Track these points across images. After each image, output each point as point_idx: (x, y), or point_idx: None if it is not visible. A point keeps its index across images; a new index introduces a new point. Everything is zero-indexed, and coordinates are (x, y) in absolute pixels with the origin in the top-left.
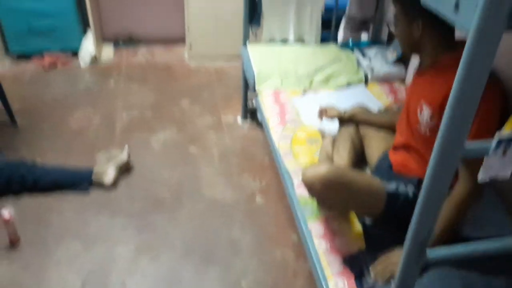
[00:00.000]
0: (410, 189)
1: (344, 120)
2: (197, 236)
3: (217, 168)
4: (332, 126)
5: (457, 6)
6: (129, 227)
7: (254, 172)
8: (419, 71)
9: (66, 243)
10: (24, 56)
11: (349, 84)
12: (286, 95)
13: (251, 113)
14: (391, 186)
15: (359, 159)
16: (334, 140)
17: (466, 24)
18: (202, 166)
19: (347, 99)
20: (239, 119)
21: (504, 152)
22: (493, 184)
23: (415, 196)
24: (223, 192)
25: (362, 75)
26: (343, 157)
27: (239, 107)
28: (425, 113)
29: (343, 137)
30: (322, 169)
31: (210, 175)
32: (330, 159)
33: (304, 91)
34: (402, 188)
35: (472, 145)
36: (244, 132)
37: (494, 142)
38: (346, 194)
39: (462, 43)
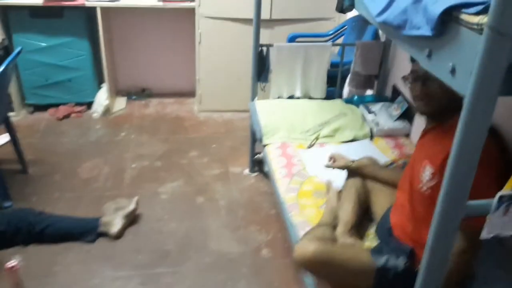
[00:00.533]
0: (401, 261)
1: (351, 170)
2: None
3: (223, 220)
4: (339, 176)
5: (453, 71)
6: (134, 279)
7: (261, 224)
8: (425, 131)
9: None
10: (40, 107)
11: (354, 139)
12: (292, 148)
13: (259, 165)
14: (381, 260)
15: (364, 213)
16: (340, 192)
17: (462, 88)
18: (209, 218)
19: (353, 153)
20: (246, 171)
21: (506, 211)
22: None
23: (406, 268)
24: (229, 245)
25: (367, 130)
26: (347, 212)
27: (246, 159)
28: (427, 173)
29: (349, 190)
30: (310, 250)
31: (217, 227)
32: (335, 213)
33: (311, 145)
34: (392, 261)
35: (473, 203)
36: (251, 184)
37: (495, 201)
38: (335, 271)
39: None
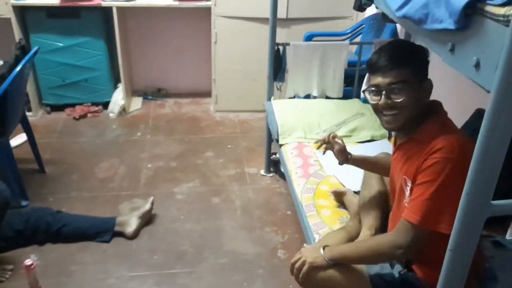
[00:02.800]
0: (396, 269)
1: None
2: None
3: (239, 221)
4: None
5: (477, 66)
6: (149, 280)
7: (277, 225)
8: (398, 146)
9: None
10: (57, 107)
11: (372, 139)
12: (309, 148)
13: (275, 166)
14: (374, 268)
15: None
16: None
17: (487, 83)
18: (225, 219)
19: (371, 154)
20: (262, 171)
21: None
22: None
23: (401, 276)
24: (245, 246)
25: (385, 130)
26: (371, 216)
27: (262, 159)
28: (408, 188)
29: (368, 197)
30: (304, 271)
31: (233, 228)
32: (358, 218)
33: None
34: (386, 269)
35: (498, 203)
36: (267, 185)
37: None
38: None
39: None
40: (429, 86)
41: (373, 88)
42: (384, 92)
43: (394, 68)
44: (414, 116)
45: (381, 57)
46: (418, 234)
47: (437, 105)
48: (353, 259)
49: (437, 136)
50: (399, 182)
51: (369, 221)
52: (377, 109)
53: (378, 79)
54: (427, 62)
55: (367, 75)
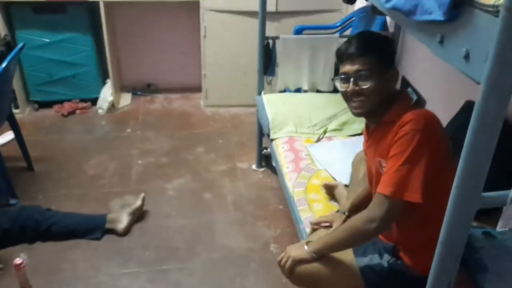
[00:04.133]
0: (385, 259)
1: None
2: (210, 287)
3: (231, 216)
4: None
5: (467, 57)
6: (141, 276)
7: (269, 219)
8: (369, 134)
9: None
10: (44, 103)
11: (363, 132)
12: (300, 143)
13: (266, 160)
14: (363, 260)
15: None
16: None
17: (477, 75)
18: (217, 214)
19: (361, 147)
20: (254, 166)
21: None
22: None
23: (390, 265)
24: (237, 241)
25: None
26: (348, 198)
27: (254, 154)
28: (384, 167)
29: (355, 178)
30: (288, 265)
31: (225, 223)
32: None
33: (319, 139)
34: (375, 259)
35: (489, 195)
36: (258, 179)
37: (511, 191)
38: (322, 283)
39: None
40: (395, 74)
41: (342, 76)
42: (352, 79)
43: (362, 55)
44: (380, 103)
45: (350, 46)
46: (391, 206)
47: (403, 93)
48: (334, 244)
49: (405, 113)
50: (375, 166)
51: (351, 194)
52: (346, 96)
53: (347, 67)
54: (393, 52)
55: None
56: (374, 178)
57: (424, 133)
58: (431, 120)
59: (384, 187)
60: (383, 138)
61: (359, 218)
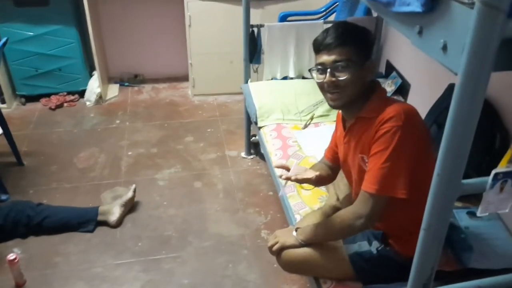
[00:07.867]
0: (374, 246)
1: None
2: (204, 275)
3: (222, 204)
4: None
5: (445, 48)
6: (135, 266)
7: (259, 206)
8: (349, 128)
9: (71, 285)
10: (31, 97)
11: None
12: (288, 130)
13: (255, 148)
14: (353, 247)
15: None
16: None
17: (454, 66)
18: (208, 202)
19: None
20: (243, 153)
21: (502, 189)
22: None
23: (379, 251)
24: (228, 228)
25: None
26: (335, 192)
27: (242, 142)
28: (367, 163)
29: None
30: (280, 263)
31: (216, 211)
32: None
33: (306, 125)
34: (365, 246)
35: (468, 182)
36: (248, 167)
37: (490, 178)
38: (315, 269)
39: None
40: (371, 66)
41: (319, 67)
42: (329, 70)
43: (339, 46)
44: (357, 94)
45: (327, 36)
46: (376, 203)
47: (376, 83)
48: (322, 234)
49: (384, 108)
50: (356, 162)
51: (339, 188)
52: (323, 87)
53: (324, 57)
54: (370, 43)
55: None
56: (356, 173)
57: (405, 128)
58: (411, 115)
59: (368, 185)
60: (364, 134)
61: (346, 214)
